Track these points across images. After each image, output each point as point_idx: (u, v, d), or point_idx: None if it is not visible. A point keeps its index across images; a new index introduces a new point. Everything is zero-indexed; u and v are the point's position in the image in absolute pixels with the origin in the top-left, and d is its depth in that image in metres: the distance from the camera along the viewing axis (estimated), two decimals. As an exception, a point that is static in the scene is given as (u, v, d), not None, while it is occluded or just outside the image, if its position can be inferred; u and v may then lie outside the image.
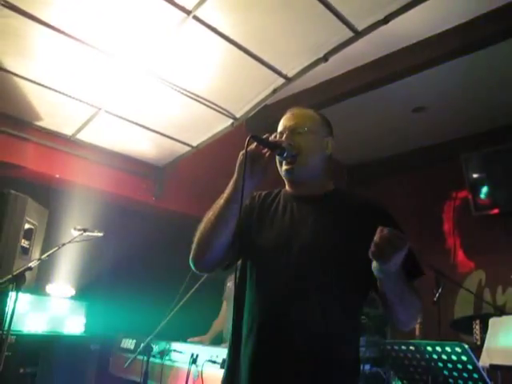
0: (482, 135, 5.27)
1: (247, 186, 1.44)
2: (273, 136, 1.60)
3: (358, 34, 3.00)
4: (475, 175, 5.28)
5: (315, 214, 1.54)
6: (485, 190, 5.23)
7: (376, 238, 1.26)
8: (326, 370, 1.41)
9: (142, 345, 3.07)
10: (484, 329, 3.07)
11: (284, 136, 1.58)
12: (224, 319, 3.69)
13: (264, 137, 1.51)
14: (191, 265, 1.58)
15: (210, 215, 1.53)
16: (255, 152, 1.49)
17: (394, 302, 1.41)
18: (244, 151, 1.46)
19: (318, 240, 1.48)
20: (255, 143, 1.49)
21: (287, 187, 1.67)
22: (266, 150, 1.50)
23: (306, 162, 1.56)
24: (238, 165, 1.49)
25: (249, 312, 1.49)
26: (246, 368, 1.44)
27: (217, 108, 3.63)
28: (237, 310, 1.52)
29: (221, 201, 1.51)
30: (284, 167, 1.58)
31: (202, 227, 1.54)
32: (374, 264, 1.31)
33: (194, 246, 1.55)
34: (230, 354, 1.53)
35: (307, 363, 1.40)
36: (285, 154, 1.53)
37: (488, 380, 2.52)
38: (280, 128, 1.63)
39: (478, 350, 2.92)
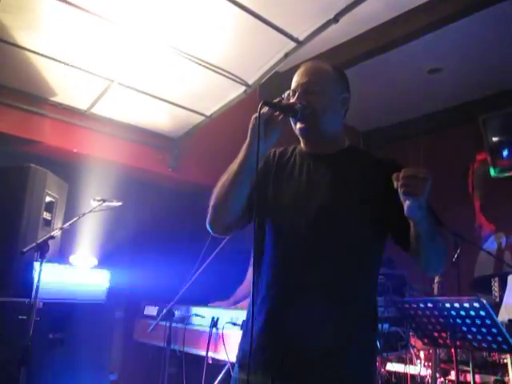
0: (501, 95, 5.17)
1: (261, 149, 1.43)
2: (285, 98, 1.57)
3: (369, -8, 2.95)
4: (494, 137, 5.19)
5: (330, 173, 1.54)
6: (504, 151, 5.15)
7: (399, 178, 1.27)
8: (342, 332, 1.42)
9: (164, 310, 3.16)
10: (503, 287, 3.07)
11: (297, 94, 1.55)
12: (249, 285, 3.71)
13: (276, 101, 1.48)
14: (208, 228, 1.59)
15: (224, 179, 1.52)
16: (268, 116, 1.46)
17: (427, 246, 1.39)
18: (256, 115, 1.44)
19: (333, 200, 1.48)
20: (267, 108, 1.46)
21: (302, 144, 1.65)
22: (278, 113, 1.48)
23: (319, 122, 1.54)
24: (250, 129, 1.47)
25: (266, 274, 1.51)
26: (260, 330, 1.46)
27: (229, 75, 3.62)
28: (256, 271, 1.55)
29: (234, 166, 1.51)
30: (298, 126, 1.57)
31: (217, 191, 1.54)
32: (408, 204, 1.28)
33: (210, 209, 1.56)
34: (247, 317, 1.57)
35: (322, 326, 1.41)
36: (298, 116, 1.51)
37: (507, 334, 2.53)
38: (293, 85, 1.59)
39: (496, 307, 2.92)
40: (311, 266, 1.45)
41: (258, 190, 1.49)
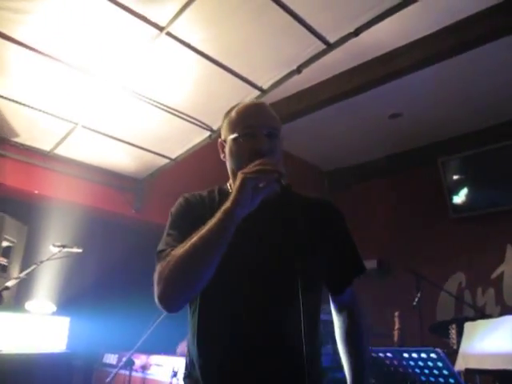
0: (458, 139, 5.38)
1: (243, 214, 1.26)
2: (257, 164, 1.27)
3: (330, 46, 3.04)
4: (452, 178, 5.38)
5: (267, 217, 1.39)
6: (462, 192, 5.33)
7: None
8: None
9: (124, 359, 3.08)
10: (460, 333, 3.12)
11: (263, 138, 1.38)
12: None
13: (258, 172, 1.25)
14: (160, 305, 1.26)
15: (197, 247, 1.23)
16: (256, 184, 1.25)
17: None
18: (248, 175, 1.23)
19: (266, 241, 1.38)
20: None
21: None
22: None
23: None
24: (237, 189, 1.23)
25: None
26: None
27: (194, 121, 3.65)
28: None
29: (214, 228, 1.23)
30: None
31: (184, 261, 1.24)
32: None
33: (167, 284, 1.24)
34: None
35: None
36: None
37: (464, 384, 2.57)
38: (252, 121, 1.41)
39: (455, 354, 2.96)
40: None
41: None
